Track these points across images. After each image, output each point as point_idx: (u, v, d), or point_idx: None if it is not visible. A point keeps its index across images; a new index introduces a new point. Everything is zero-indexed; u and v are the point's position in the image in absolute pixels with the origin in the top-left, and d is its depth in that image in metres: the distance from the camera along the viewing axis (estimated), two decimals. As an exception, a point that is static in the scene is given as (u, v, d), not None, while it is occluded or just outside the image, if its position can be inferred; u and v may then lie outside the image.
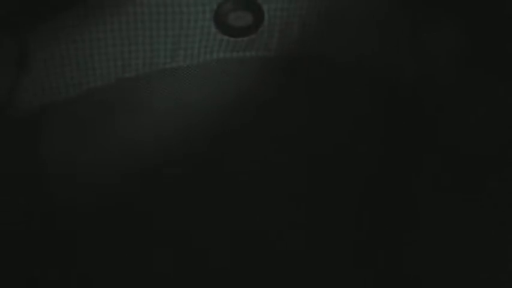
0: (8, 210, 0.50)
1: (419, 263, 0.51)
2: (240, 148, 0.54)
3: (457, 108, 0.53)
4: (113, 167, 0.52)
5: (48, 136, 0.51)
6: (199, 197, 0.54)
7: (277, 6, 0.53)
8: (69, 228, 0.51)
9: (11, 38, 0.49)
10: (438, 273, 0.50)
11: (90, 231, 0.52)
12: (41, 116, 0.51)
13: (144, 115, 0.53)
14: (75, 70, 0.51)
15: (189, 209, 0.53)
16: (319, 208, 0.54)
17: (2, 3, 0.48)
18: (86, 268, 0.51)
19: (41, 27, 0.49)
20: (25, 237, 0.50)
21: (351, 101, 0.55)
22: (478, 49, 0.52)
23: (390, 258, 0.53)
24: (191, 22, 0.52)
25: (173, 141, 0.53)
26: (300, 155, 0.55)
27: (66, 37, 0.50)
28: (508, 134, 0.51)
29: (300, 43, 0.54)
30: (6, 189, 0.50)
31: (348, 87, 0.55)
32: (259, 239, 0.53)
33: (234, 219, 0.53)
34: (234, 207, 0.54)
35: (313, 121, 0.55)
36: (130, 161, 0.53)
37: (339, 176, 0.54)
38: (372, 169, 0.54)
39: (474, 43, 0.52)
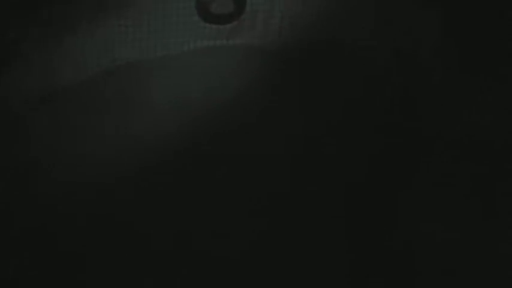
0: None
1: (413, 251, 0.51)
2: (230, 139, 0.54)
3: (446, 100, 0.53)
4: (107, 163, 0.53)
5: (39, 133, 0.52)
6: (193, 193, 0.53)
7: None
8: (61, 231, 0.51)
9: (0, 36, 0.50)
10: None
11: (84, 231, 0.52)
12: (32, 112, 0.51)
13: (136, 107, 0.53)
14: (64, 65, 0.52)
15: (185, 207, 0.53)
16: (318, 206, 0.54)
17: None
18: (75, 270, 0.51)
19: (30, 23, 0.50)
20: (8, 236, 0.50)
21: (341, 87, 0.55)
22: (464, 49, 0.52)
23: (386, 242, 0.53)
24: (175, 11, 0.53)
25: (165, 132, 0.54)
26: (295, 144, 0.55)
27: (55, 32, 0.51)
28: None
29: (286, 30, 0.54)
30: None
31: (336, 72, 0.55)
32: (260, 239, 0.53)
33: (230, 219, 0.53)
34: (228, 206, 0.54)
35: (304, 110, 0.55)
36: (124, 155, 0.53)
37: (335, 170, 0.54)
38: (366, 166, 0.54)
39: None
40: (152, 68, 0.53)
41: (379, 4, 0.54)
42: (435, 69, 0.53)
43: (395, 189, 0.52)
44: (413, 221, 0.50)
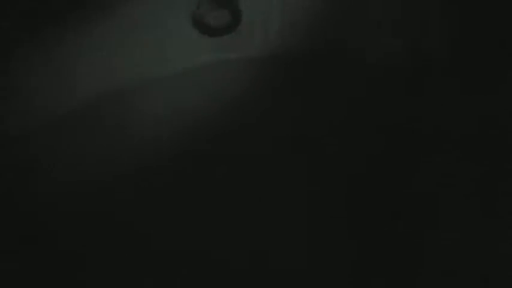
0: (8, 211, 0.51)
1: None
2: (236, 150, 0.54)
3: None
4: (107, 163, 0.53)
5: (40, 153, 0.52)
6: (193, 193, 0.53)
7: (256, 2, 0.53)
8: (62, 232, 0.52)
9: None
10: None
11: (84, 231, 0.52)
12: (35, 132, 0.52)
13: (136, 127, 0.54)
14: (60, 89, 0.52)
15: (185, 207, 0.53)
16: (322, 210, 0.54)
17: None
18: (77, 270, 0.52)
19: (19, 51, 0.51)
20: (7, 236, 0.51)
21: (342, 90, 0.55)
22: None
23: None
24: (170, 27, 0.53)
25: (167, 151, 0.54)
26: (299, 153, 0.55)
27: (46, 57, 0.51)
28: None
29: (285, 38, 0.55)
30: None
31: (337, 76, 0.55)
32: (261, 239, 0.53)
33: (233, 225, 0.53)
34: (232, 213, 0.54)
35: (307, 118, 0.55)
36: (124, 155, 0.53)
37: (339, 171, 0.54)
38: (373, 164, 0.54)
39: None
40: (148, 90, 0.54)
41: (376, 7, 0.54)
42: (442, 68, 0.53)
43: (396, 189, 0.52)
44: (413, 221, 0.50)
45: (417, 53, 0.53)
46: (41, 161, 0.52)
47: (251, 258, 0.52)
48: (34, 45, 0.51)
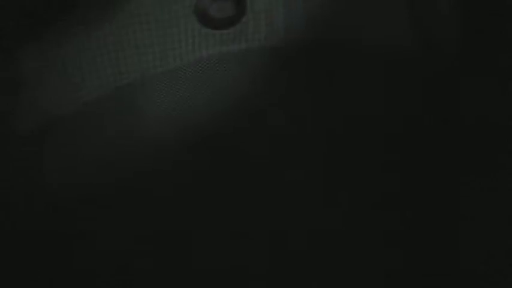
0: (8, 211, 0.50)
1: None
2: (245, 147, 0.53)
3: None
4: (108, 163, 0.52)
5: (48, 150, 0.51)
6: (201, 199, 0.53)
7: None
8: (68, 228, 0.51)
9: (4, 57, 0.48)
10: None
11: (91, 232, 0.52)
12: (40, 132, 0.50)
13: (143, 123, 0.52)
14: (68, 85, 0.50)
15: (192, 211, 0.53)
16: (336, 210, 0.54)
17: None
18: (85, 268, 0.51)
19: (31, 45, 0.48)
20: (23, 236, 0.50)
21: (349, 82, 0.54)
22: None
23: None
24: (174, 20, 0.50)
25: (174, 146, 0.53)
26: (311, 149, 0.54)
27: (55, 53, 0.49)
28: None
29: (289, 30, 0.53)
30: (7, 192, 0.49)
31: (346, 70, 0.54)
32: (264, 242, 0.53)
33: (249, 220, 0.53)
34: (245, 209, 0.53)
35: (316, 110, 0.54)
36: (130, 171, 0.52)
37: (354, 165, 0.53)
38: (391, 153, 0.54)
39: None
40: (153, 85, 0.52)
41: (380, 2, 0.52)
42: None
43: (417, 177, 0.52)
44: (460, 224, 0.50)
45: (428, 43, 0.52)
46: (43, 159, 0.51)
47: (252, 258, 0.52)
48: (38, 41, 0.48)
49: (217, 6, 0.51)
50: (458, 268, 0.50)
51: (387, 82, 0.52)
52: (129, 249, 0.52)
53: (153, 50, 0.50)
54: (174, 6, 0.50)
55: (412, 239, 0.52)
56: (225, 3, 0.51)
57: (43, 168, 0.50)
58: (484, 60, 0.52)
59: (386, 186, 0.53)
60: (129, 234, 0.52)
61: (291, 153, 0.53)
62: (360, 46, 0.52)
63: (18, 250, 0.50)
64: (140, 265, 0.52)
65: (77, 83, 0.50)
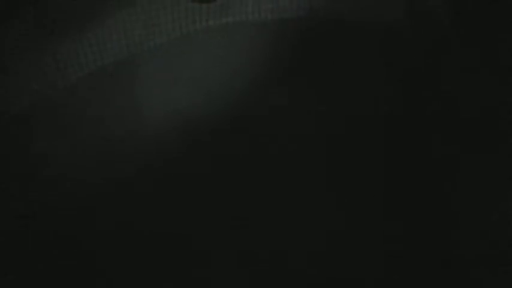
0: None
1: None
2: (241, 126, 0.52)
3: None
4: (104, 161, 0.51)
5: (36, 136, 0.50)
6: (199, 194, 0.52)
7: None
8: (63, 230, 0.51)
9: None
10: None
11: (86, 234, 0.51)
12: (27, 116, 0.49)
13: (132, 101, 0.51)
14: (53, 64, 0.49)
15: (189, 210, 0.52)
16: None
17: None
18: (83, 269, 0.51)
19: (13, 24, 0.48)
20: (17, 238, 0.50)
21: (342, 59, 0.52)
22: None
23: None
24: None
25: (168, 128, 0.51)
26: (304, 122, 0.52)
27: (38, 32, 0.48)
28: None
29: (277, 4, 0.51)
30: None
31: (337, 45, 0.52)
32: (268, 241, 0.52)
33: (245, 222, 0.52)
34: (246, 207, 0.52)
35: (309, 83, 0.52)
36: (124, 155, 0.51)
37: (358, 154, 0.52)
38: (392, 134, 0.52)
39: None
40: (143, 62, 0.51)
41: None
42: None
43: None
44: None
45: (419, 15, 0.50)
46: (42, 162, 0.50)
47: (252, 258, 0.51)
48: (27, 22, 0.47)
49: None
50: (458, 267, 0.50)
51: (378, 55, 0.51)
52: (125, 248, 0.51)
53: (136, 26, 0.49)
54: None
55: (412, 239, 0.51)
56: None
57: (34, 150, 0.50)
58: (481, 47, 0.50)
59: (375, 182, 0.52)
60: (122, 234, 0.51)
61: (288, 126, 0.52)
62: (351, 20, 0.50)
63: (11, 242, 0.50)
64: (138, 265, 0.51)
65: (64, 62, 0.49)
